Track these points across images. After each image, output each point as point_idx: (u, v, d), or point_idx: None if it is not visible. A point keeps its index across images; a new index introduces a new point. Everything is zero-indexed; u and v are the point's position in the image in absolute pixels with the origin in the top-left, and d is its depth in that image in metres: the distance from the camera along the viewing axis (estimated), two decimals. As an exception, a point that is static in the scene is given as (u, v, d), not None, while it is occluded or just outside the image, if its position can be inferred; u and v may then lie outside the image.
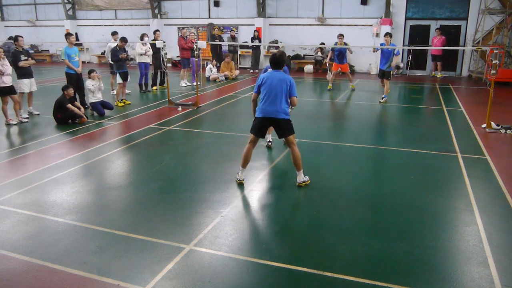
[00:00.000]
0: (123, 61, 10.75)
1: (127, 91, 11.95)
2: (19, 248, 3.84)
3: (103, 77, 10.15)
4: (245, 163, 5.29)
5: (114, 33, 11.97)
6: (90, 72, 9.41)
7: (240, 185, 5.30)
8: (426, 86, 14.24)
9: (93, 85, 9.22)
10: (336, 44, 12.53)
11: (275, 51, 19.91)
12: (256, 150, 5.41)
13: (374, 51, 11.36)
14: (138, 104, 10.88)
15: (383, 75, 10.95)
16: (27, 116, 9.18)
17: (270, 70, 5.39)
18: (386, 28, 16.17)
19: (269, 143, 6.91)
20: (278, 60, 5.19)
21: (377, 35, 16.55)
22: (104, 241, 3.97)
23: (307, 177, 5.32)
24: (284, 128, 5.15)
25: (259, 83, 5.17)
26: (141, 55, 12.12)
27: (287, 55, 17.99)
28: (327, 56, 17.29)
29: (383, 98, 10.93)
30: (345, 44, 12.44)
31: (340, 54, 12.54)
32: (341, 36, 12.52)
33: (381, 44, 10.97)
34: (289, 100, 5.14)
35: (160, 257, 3.68)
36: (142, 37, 12.14)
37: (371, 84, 14.37)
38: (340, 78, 15.31)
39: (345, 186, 5.39)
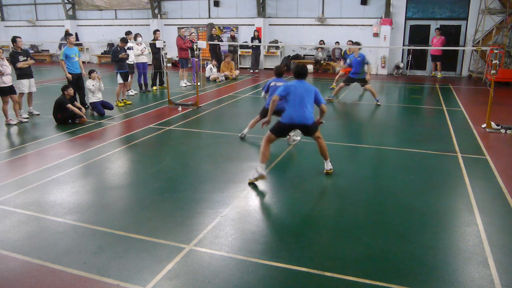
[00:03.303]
0: (124, 61, 10.75)
1: (132, 93, 11.96)
2: (19, 248, 3.85)
3: (103, 77, 10.15)
4: (265, 158, 5.34)
5: (128, 33, 11.79)
6: (90, 72, 9.41)
7: (252, 184, 5.29)
8: (426, 86, 14.24)
9: (93, 85, 9.23)
10: (347, 51, 12.74)
11: (275, 51, 19.68)
12: (256, 150, 5.41)
13: (341, 67, 11.52)
14: (138, 104, 10.88)
15: (357, 82, 10.87)
16: (27, 116, 9.18)
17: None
18: (386, 28, 16.19)
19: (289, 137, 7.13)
20: (302, 71, 5.56)
21: (377, 35, 16.58)
22: (104, 241, 3.97)
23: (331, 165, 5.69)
24: (312, 128, 5.47)
25: (284, 93, 5.41)
26: (138, 55, 12.08)
27: (288, 55, 18.09)
28: (327, 56, 17.38)
29: (377, 101, 10.77)
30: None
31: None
32: (350, 42, 12.82)
33: (350, 56, 11.02)
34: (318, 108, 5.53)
35: (160, 257, 3.68)
36: (135, 37, 12.09)
37: (371, 84, 14.33)
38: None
39: (345, 186, 5.39)
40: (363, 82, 10.84)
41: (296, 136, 7.03)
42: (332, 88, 12.88)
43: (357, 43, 11.24)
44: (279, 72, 6.95)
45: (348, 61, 11.11)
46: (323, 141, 5.60)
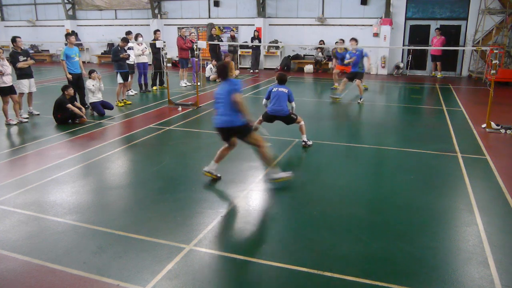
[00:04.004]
0: (124, 60, 10.75)
1: (132, 93, 11.96)
2: (19, 248, 3.85)
3: (103, 77, 10.15)
4: (219, 158, 5.41)
5: (129, 33, 11.76)
6: (90, 72, 9.41)
7: (214, 180, 5.38)
8: (426, 86, 14.24)
9: (93, 85, 9.23)
10: (338, 50, 13.11)
11: (275, 51, 19.60)
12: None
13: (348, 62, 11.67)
14: (138, 104, 10.88)
15: (356, 75, 11.00)
16: (27, 116, 9.18)
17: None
18: (386, 28, 16.19)
19: (304, 143, 6.96)
20: (222, 71, 5.18)
21: (377, 35, 16.60)
22: (104, 241, 3.98)
23: (282, 173, 5.26)
24: (240, 131, 5.11)
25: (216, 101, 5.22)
26: (139, 55, 12.07)
27: (288, 55, 18.08)
28: (327, 56, 17.39)
29: (360, 99, 10.86)
30: (345, 49, 12.80)
31: (342, 58, 12.77)
32: (341, 41, 13.21)
33: (349, 53, 11.24)
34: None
35: (160, 257, 3.68)
36: (136, 37, 12.08)
37: (371, 84, 14.35)
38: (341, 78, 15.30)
39: (345, 186, 5.39)
40: (360, 76, 10.99)
41: (264, 130, 6.94)
42: (333, 88, 12.90)
43: (355, 39, 11.39)
44: (283, 80, 6.78)
45: (348, 56, 11.22)
46: (263, 149, 5.12)
